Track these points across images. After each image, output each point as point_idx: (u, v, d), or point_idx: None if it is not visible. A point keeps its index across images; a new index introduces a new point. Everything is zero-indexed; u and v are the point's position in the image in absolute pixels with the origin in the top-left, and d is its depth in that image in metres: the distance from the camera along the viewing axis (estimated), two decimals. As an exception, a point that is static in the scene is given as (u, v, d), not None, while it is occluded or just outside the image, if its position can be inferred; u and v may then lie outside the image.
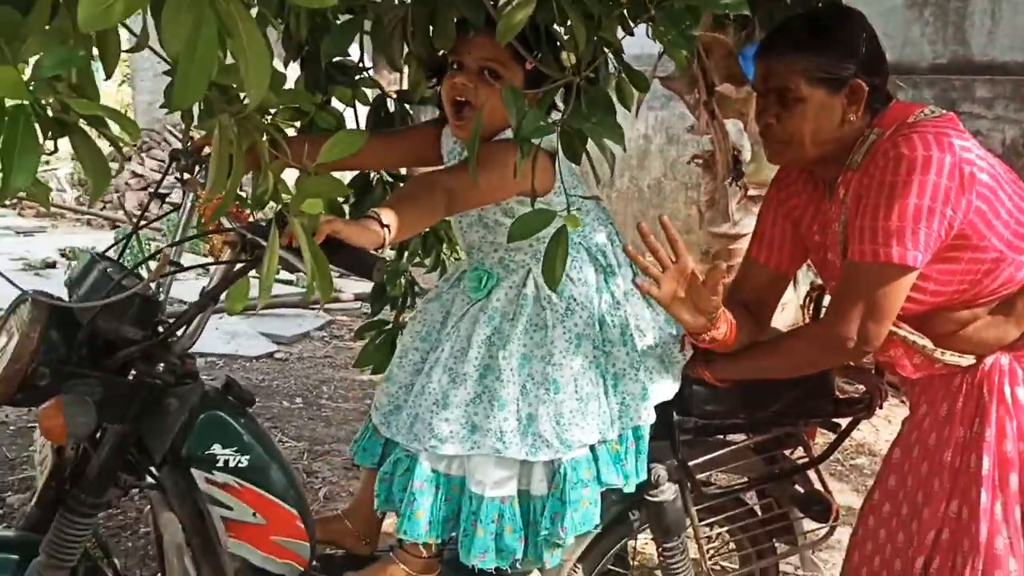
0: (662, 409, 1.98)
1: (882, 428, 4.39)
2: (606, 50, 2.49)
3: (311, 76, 2.24)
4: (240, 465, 1.72)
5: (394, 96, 2.36)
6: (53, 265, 6.76)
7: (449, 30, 1.74)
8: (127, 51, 1.07)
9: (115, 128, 0.99)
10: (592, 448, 1.88)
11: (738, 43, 4.22)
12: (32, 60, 0.96)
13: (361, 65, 2.27)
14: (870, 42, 1.77)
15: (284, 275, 6.51)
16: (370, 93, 2.33)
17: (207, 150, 1.86)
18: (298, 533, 1.80)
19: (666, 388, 1.95)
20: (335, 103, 2.27)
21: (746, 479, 2.24)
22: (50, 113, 0.92)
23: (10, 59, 1.00)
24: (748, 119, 4.51)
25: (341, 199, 2.24)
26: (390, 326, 2.55)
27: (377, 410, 2.01)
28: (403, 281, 2.57)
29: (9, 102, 0.86)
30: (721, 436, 2.18)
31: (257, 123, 1.20)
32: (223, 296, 1.62)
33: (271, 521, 1.76)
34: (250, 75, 0.94)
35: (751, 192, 4.80)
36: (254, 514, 1.75)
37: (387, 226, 1.53)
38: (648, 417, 1.92)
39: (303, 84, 2.24)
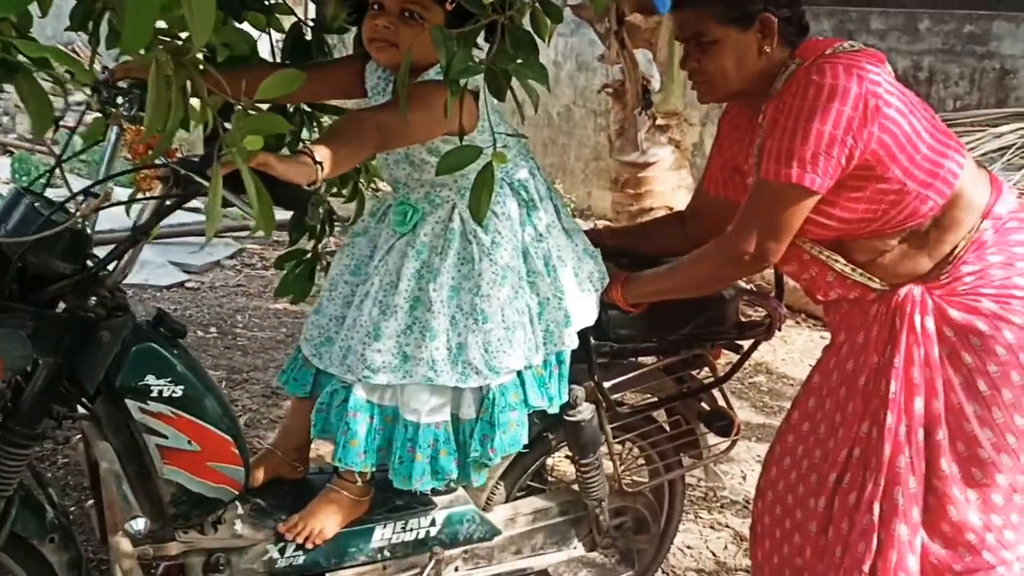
0: (581, 334, 2.09)
1: (779, 348, 4.64)
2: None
3: (225, 1, 2.22)
4: (174, 395, 1.75)
5: (310, 25, 2.36)
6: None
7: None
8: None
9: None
10: (519, 373, 1.98)
11: (648, -27, 4.27)
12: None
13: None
14: None
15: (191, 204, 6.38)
16: (285, 21, 2.33)
17: (127, 82, 1.85)
18: (232, 459, 1.86)
19: (587, 314, 2.06)
20: (248, 28, 2.26)
21: (656, 398, 2.39)
22: (-3, 56, 0.93)
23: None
24: (657, 49, 4.60)
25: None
26: (309, 255, 2.58)
27: (307, 341, 2.06)
28: (321, 211, 2.59)
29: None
30: (634, 358, 2.32)
31: (193, 59, 1.22)
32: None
33: (205, 448, 1.81)
34: (195, 18, 0.96)
35: (659, 122, 4.91)
36: (189, 442, 1.79)
37: (320, 163, 1.57)
38: (571, 342, 2.03)
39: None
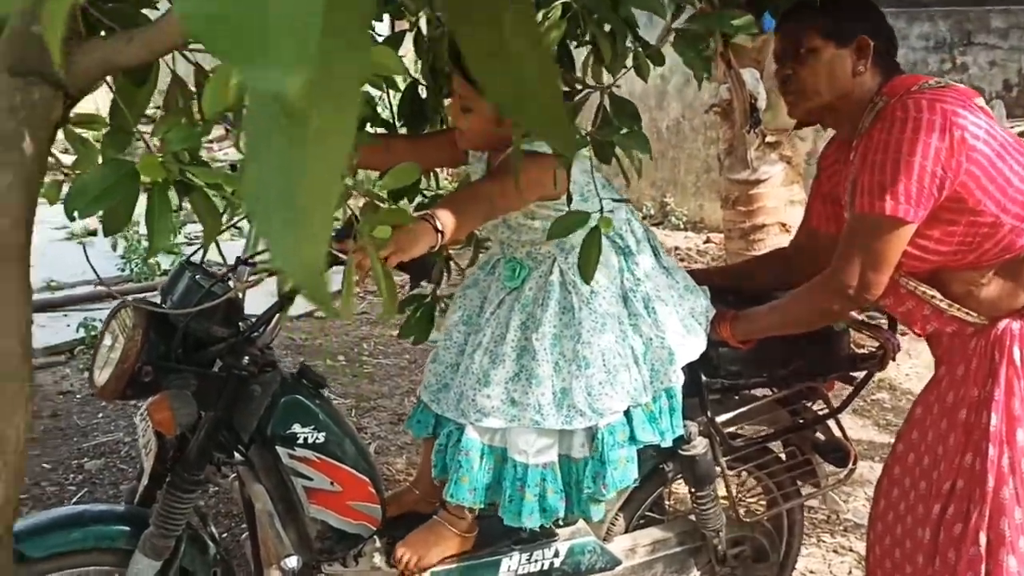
0: (691, 372, 2.17)
1: (903, 363, 4.57)
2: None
3: None
4: (318, 441, 1.93)
5: (425, 84, 2.52)
6: (94, 233, 6.98)
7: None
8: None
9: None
10: (627, 412, 2.09)
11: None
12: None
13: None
14: (877, 13, 1.99)
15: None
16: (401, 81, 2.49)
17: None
18: (370, 497, 2.02)
19: (691, 351, 2.14)
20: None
21: (771, 430, 2.45)
22: (174, 179, 1.10)
23: (130, 119, 1.19)
24: (764, 67, 4.62)
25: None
26: (428, 299, 2.74)
27: (427, 388, 2.22)
28: (439, 258, 2.75)
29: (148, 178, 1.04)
30: (747, 392, 2.39)
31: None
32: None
33: (346, 488, 1.99)
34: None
35: (769, 139, 4.92)
36: (331, 483, 1.97)
37: (441, 231, 1.72)
38: (677, 378, 2.12)
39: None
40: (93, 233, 6.92)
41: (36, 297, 4.11)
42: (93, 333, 4.71)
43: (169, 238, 1.06)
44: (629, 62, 1.93)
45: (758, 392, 2.41)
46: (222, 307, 1.77)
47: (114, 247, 6.05)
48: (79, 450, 3.64)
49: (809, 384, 2.38)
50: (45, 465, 3.51)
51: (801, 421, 2.44)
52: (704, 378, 2.21)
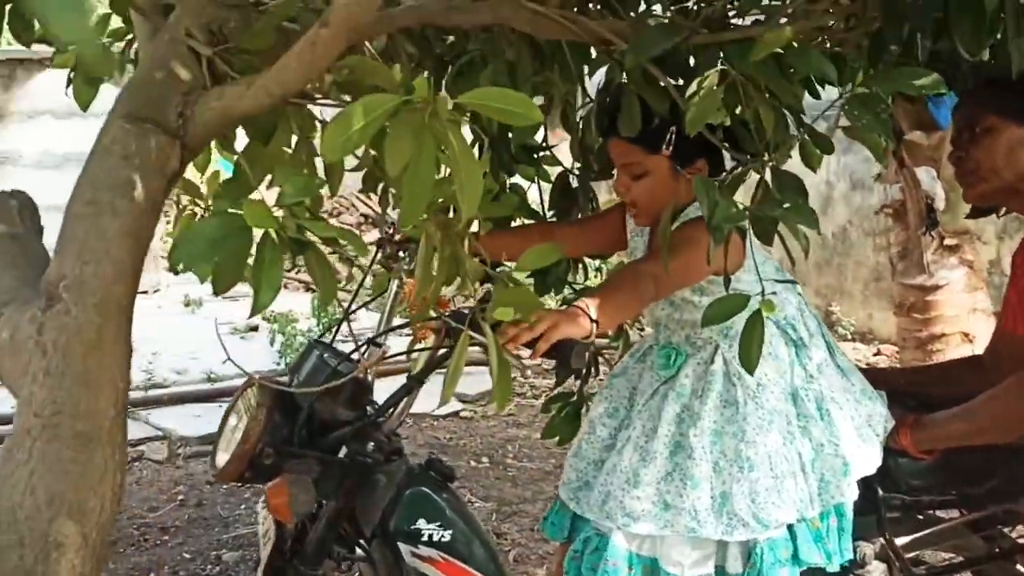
0: (866, 485, 1.91)
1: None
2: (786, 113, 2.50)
3: (498, 158, 2.35)
4: (443, 539, 1.78)
5: (576, 173, 2.42)
6: (256, 329, 7.22)
7: (633, 118, 1.78)
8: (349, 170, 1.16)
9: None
10: (791, 527, 1.84)
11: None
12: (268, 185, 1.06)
13: (544, 144, 2.35)
14: None
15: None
16: (552, 171, 2.42)
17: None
18: (499, 606, 1.84)
19: (868, 462, 1.89)
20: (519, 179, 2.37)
21: (960, 558, 2.12)
22: (289, 234, 1.01)
23: (252, 180, 1.12)
24: (941, 166, 4.33)
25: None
26: (575, 398, 2.58)
27: (566, 485, 2.03)
28: (587, 354, 2.60)
29: (258, 230, 0.95)
30: (932, 512, 2.08)
31: (460, 231, 1.27)
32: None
33: (473, 594, 1.81)
34: (465, 193, 1.00)
35: (948, 241, 4.58)
36: (457, 587, 1.80)
37: (596, 321, 1.58)
38: (850, 493, 1.86)
39: (489, 166, 2.38)
40: (255, 328, 7.17)
41: (195, 388, 4.20)
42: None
43: (273, 295, 0.96)
44: (795, 152, 1.80)
45: (945, 513, 2.11)
46: (348, 389, 1.67)
47: (272, 342, 6.20)
48: (219, 540, 3.61)
49: (1009, 507, 2.06)
50: (186, 555, 3.49)
51: (997, 550, 2.11)
52: (881, 493, 1.94)
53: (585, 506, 1.96)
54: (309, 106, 1.33)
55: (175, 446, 4.63)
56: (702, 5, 1.80)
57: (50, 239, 1.15)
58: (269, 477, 1.67)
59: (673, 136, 1.78)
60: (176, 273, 1.03)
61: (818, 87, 2.45)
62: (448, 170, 1.03)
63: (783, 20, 1.65)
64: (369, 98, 0.93)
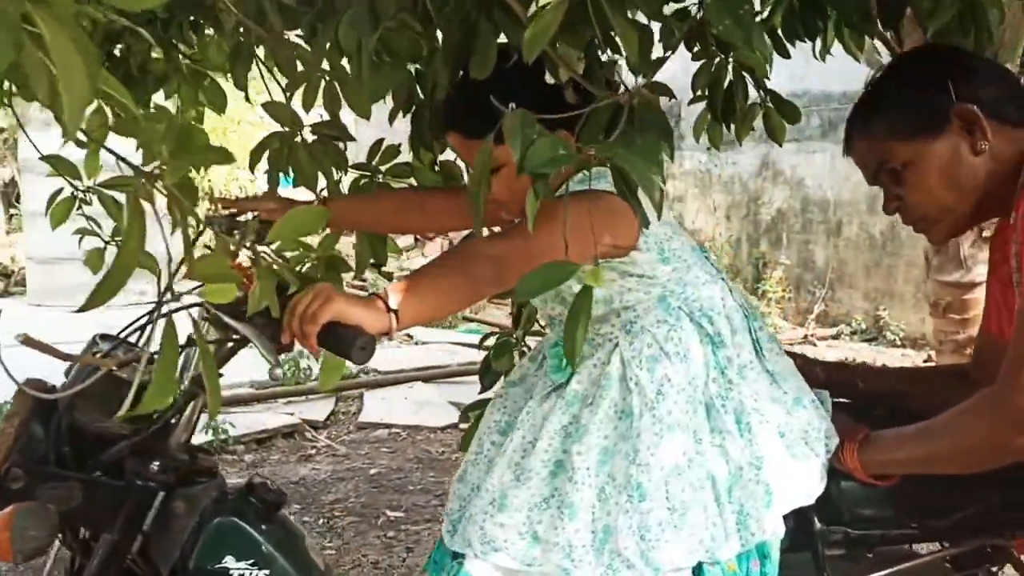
0: (801, 515, 1.53)
1: None
2: (745, 76, 2.12)
3: (418, 132, 2.09)
4: (258, 581, 1.45)
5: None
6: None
7: (488, 59, 1.44)
8: None
9: None
10: (698, 570, 1.46)
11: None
12: None
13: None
14: (958, 61, 1.48)
15: (469, 338, 6.41)
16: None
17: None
18: (335, 663, 1.50)
19: (801, 491, 1.50)
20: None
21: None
22: None
23: None
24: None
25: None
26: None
27: (448, 516, 1.68)
28: (516, 354, 2.25)
29: None
30: (899, 547, 1.68)
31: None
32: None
33: (301, 650, 1.48)
34: (67, 98, 0.70)
35: (986, 232, 4.09)
36: (280, 642, 1.47)
37: (394, 312, 1.25)
38: (775, 528, 1.48)
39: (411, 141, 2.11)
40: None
41: None
42: (223, 437, 4.52)
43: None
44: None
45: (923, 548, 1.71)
46: (123, 395, 1.35)
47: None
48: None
49: (992, 541, 1.64)
50: None
51: (986, 594, 1.70)
52: (819, 525, 1.55)
53: (459, 539, 1.61)
54: None
55: (148, 460, 4.39)
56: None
57: None
58: (50, 499, 1.36)
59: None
60: None
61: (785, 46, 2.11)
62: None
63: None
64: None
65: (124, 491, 1.39)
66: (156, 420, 1.37)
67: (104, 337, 1.46)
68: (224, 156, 1.02)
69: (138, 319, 1.43)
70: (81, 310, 0.97)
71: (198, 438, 4.49)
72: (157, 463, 1.40)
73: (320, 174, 2.30)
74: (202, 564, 1.44)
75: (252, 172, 2.21)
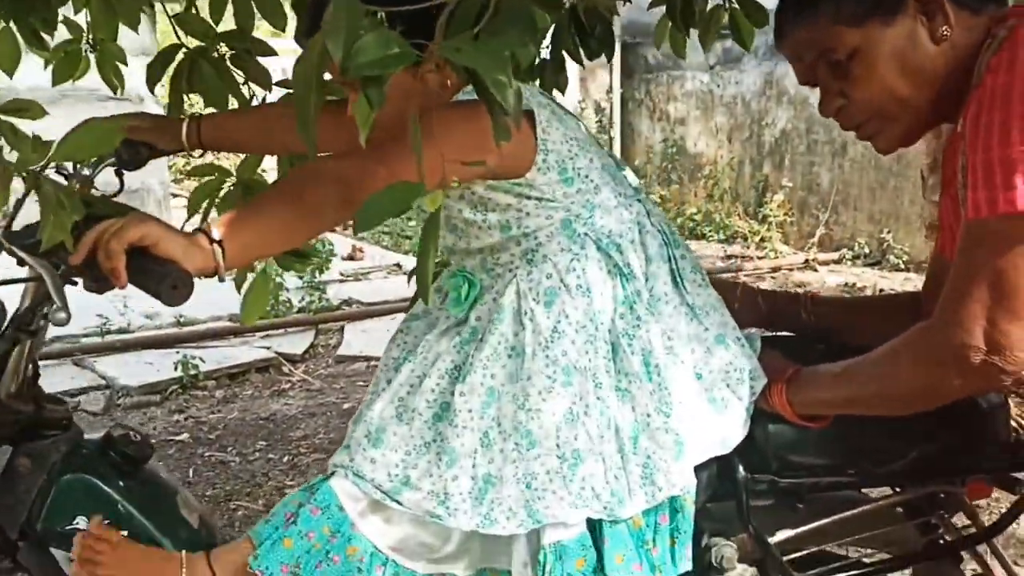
0: (723, 463, 1.37)
1: None
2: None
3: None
4: (116, 542, 1.31)
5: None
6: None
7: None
8: None
9: None
10: (596, 525, 1.31)
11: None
12: None
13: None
14: None
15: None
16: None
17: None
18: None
19: (717, 437, 1.34)
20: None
21: (886, 555, 1.57)
22: None
23: None
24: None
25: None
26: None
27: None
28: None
29: None
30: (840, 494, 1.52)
31: None
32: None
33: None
34: None
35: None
36: (141, 605, 1.33)
37: (218, 242, 1.07)
38: (684, 481, 1.32)
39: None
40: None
41: (152, 333, 3.74)
42: (193, 372, 4.40)
43: None
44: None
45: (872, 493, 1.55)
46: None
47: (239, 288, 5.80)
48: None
49: (943, 487, 1.49)
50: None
51: (942, 542, 1.55)
52: (743, 473, 1.39)
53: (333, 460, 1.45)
54: None
55: (116, 396, 4.29)
56: None
57: None
58: None
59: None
60: None
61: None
62: None
63: None
64: None
65: (-49, 448, 1.24)
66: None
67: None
68: None
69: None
70: None
71: (163, 373, 4.41)
72: (-15, 416, 1.25)
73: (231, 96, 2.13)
74: (51, 524, 1.30)
75: (152, 92, 2.02)
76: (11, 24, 2.14)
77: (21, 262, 1.14)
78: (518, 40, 0.99)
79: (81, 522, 1.30)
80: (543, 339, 1.31)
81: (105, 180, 1.53)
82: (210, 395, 4.38)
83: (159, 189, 7.31)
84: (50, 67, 2.25)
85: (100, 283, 1.06)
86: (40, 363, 4.03)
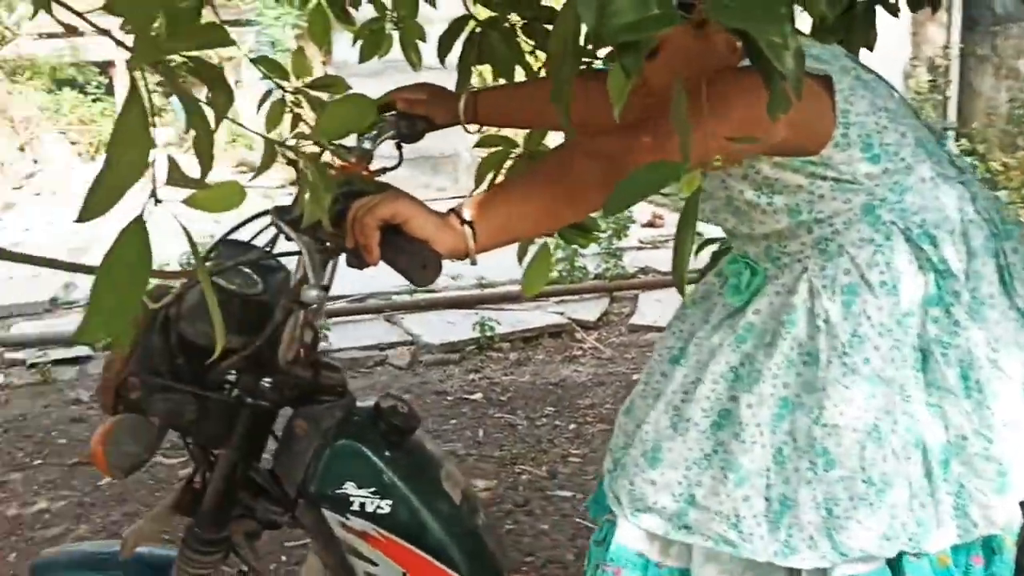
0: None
1: None
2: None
3: None
4: (380, 511, 1.33)
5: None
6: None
7: None
8: None
9: None
10: (897, 561, 1.14)
11: None
12: None
13: None
14: None
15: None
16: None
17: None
18: (467, 606, 1.36)
19: None
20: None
21: None
22: None
23: None
24: None
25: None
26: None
27: (610, 451, 1.46)
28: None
29: None
30: None
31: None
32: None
33: (427, 585, 1.36)
34: None
35: None
36: (404, 574, 1.35)
37: (469, 223, 1.03)
38: (1007, 519, 1.12)
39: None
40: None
41: (455, 294, 3.98)
42: (489, 334, 4.55)
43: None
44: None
45: None
46: (234, 306, 1.27)
47: (520, 260, 5.90)
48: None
49: None
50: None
51: None
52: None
53: (611, 491, 1.40)
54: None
55: (420, 352, 4.53)
56: None
57: None
58: (157, 411, 1.33)
59: None
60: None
61: None
62: None
63: None
64: None
65: (236, 407, 1.31)
66: (259, 336, 1.27)
67: (227, 242, 1.38)
68: (221, 37, 0.84)
69: (241, 224, 1.32)
70: (80, 220, 0.85)
71: (462, 333, 4.59)
72: (269, 380, 1.30)
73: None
74: (322, 488, 1.35)
75: (442, 63, 2.04)
76: (323, 1, 2.27)
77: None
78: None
79: (349, 487, 1.34)
80: (840, 344, 1.16)
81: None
82: (504, 357, 4.50)
83: (467, 156, 7.62)
84: (359, 43, 2.36)
85: (359, 259, 1.06)
86: (356, 318, 4.34)
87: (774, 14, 0.77)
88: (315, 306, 1.25)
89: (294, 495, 1.37)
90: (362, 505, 1.33)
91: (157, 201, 0.71)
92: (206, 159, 0.89)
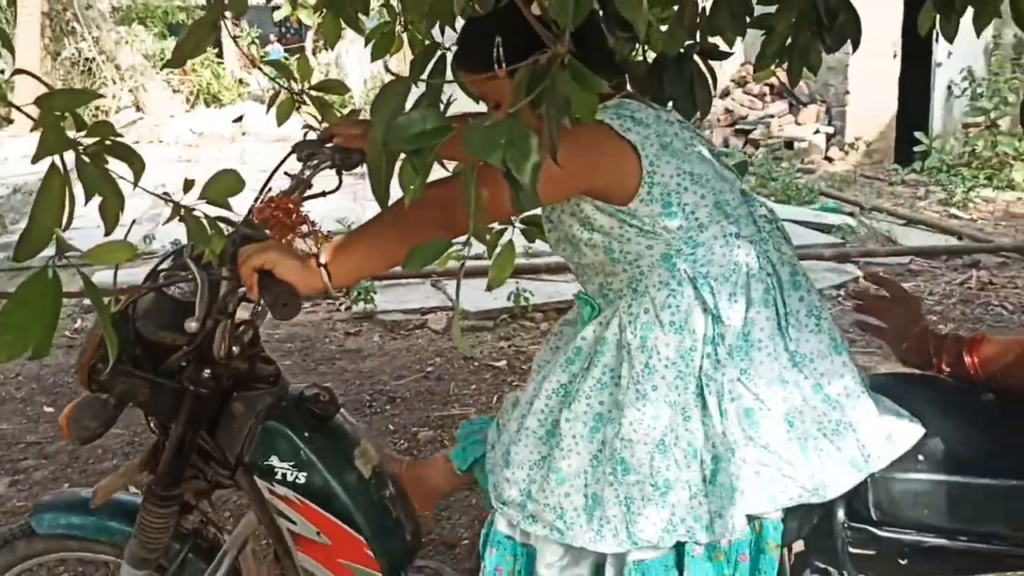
0: (826, 508, 1.36)
1: None
2: None
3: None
4: (298, 481, 1.63)
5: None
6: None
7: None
8: None
9: None
10: (680, 548, 1.38)
11: None
12: None
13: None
14: None
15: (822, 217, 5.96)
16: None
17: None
18: (366, 561, 1.66)
19: (805, 488, 1.34)
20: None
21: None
22: None
23: None
24: None
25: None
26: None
27: (496, 424, 1.70)
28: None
29: None
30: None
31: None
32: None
33: (335, 543, 1.65)
34: None
35: None
36: (318, 533, 1.65)
37: (324, 266, 1.31)
38: (737, 529, 1.35)
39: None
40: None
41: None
42: (523, 304, 4.81)
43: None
44: None
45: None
46: (167, 308, 1.57)
47: (489, 255, 6.08)
48: (427, 417, 3.73)
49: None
50: (390, 427, 3.66)
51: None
52: (842, 519, 1.37)
53: (490, 483, 1.65)
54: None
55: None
56: None
57: None
58: (114, 393, 1.64)
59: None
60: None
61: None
62: None
63: None
64: None
65: (181, 391, 1.62)
66: (191, 337, 1.56)
67: (179, 252, 1.67)
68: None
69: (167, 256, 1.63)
70: (15, 260, 1.14)
71: (499, 302, 4.82)
72: (208, 371, 1.60)
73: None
74: (254, 459, 1.65)
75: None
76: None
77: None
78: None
79: (274, 460, 1.64)
80: (636, 373, 1.39)
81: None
82: (535, 327, 4.76)
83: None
84: (370, 45, 2.61)
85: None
86: (403, 281, 4.61)
87: (522, 150, 1.00)
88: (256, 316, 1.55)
89: (233, 463, 1.68)
90: (284, 475, 1.63)
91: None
92: (111, 221, 1.17)
